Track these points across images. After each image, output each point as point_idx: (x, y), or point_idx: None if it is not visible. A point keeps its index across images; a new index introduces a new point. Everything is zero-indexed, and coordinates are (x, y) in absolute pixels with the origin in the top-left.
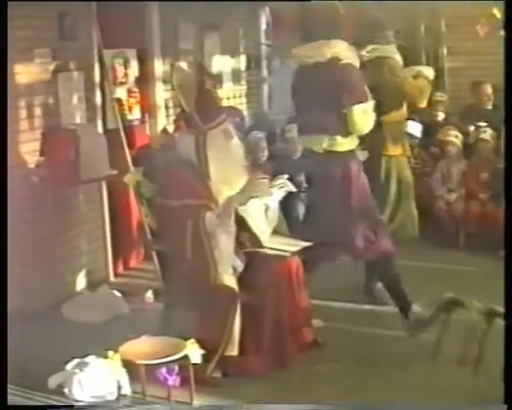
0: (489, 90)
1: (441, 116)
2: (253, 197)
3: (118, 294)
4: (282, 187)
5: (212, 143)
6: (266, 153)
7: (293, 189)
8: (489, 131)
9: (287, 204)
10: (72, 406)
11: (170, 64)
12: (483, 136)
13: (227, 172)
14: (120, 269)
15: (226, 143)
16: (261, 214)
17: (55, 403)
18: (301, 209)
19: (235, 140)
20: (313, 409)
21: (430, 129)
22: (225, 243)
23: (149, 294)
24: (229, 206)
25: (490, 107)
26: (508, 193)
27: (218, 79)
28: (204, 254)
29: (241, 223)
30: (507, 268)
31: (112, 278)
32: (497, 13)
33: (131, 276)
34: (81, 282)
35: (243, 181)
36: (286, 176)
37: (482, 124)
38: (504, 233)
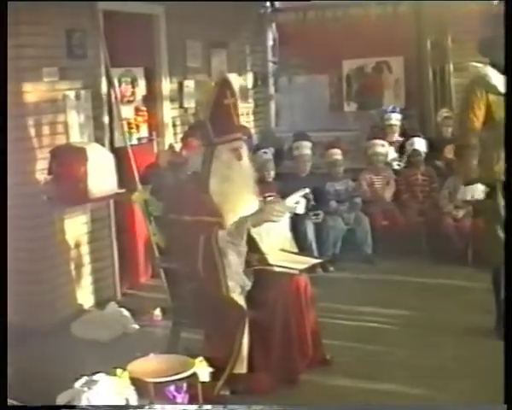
0: None
1: (449, 132)
2: (267, 221)
3: (126, 312)
4: (295, 207)
5: (219, 158)
6: (273, 173)
7: (302, 209)
8: None
9: (295, 221)
10: (71, 406)
11: (178, 82)
12: None
13: (228, 190)
14: (128, 287)
15: (233, 161)
16: (271, 234)
17: None
18: (310, 227)
19: (244, 161)
20: None
21: (438, 145)
22: (235, 262)
23: (157, 312)
24: (242, 226)
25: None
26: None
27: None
28: (215, 271)
29: (252, 244)
30: (507, 269)
31: (120, 296)
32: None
33: (139, 294)
34: (89, 300)
35: (248, 202)
36: (300, 193)
37: None
38: (505, 233)
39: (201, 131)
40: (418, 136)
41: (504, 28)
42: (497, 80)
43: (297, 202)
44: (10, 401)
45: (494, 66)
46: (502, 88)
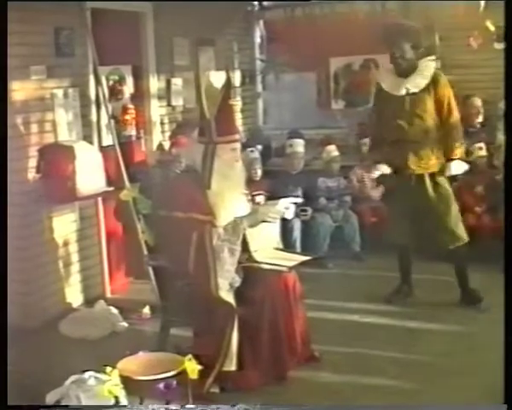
0: (478, 103)
1: None
2: (263, 222)
3: (114, 310)
4: (284, 212)
5: (221, 157)
6: (260, 172)
7: (291, 215)
8: (483, 146)
9: (284, 219)
10: (67, 406)
11: (165, 80)
12: (480, 153)
13: (226, 189)
14: (117, 285)
15: (232, 162)
16: (262, 231)
17: None
18: (296, 224)
19: (240, 163)
20: None
21: None
22: (228, 260)
23: (146, 310)
24: (238, 226)
25: (480, 120)
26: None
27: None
28: (206, 268)
29: (244, 243)
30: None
31: (108, 295)
32: (491, 25)
33: (128, 292)
34: (78, 298)
35: (239, 201)
36: (293, 200)
37: (479, 144)
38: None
39: (202, 130)
40: None
41: (504, 28)
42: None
43: (287, 207)
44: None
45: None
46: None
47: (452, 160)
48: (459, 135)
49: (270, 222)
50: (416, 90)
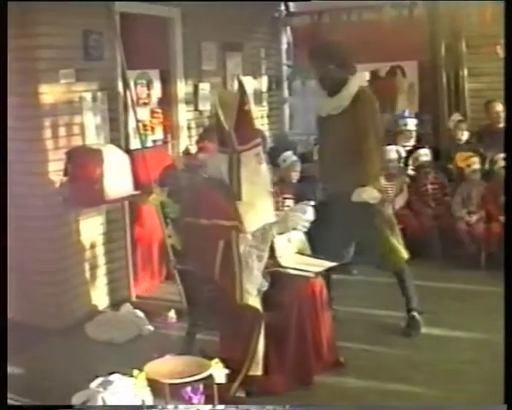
0: (498, 107)
1: (464, 137)
2: (293, 228)
3: (140, 313)
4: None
5: (247, 165)
6: (298, 176)
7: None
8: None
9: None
10: (71, 406)
11: (193, 85)
12: (502, 163)
13: (255, 195)
14: (143, 289)
15: (258, 166)
16: (289, 237)
17: None
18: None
19: (264, 165)
20: None
21: (450, 151)
22: (256, 266)
23: (172, 313)
24: (267, 233)
25: (502, 125)
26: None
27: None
28: (232, 274)
29: (270, 249)
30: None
31: (134, 298)
32: None
33: (154, 296)
34: (104, 301)
35: (267, 204)
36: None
37: (502, 154)
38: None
39: (222, 141)
40: (422, 147)
41: (504, 28)
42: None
43: (305, 211)
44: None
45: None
46: None
47: (363, 186)
48: (372, 162)
49: (300, 230)
50: (335, 112)
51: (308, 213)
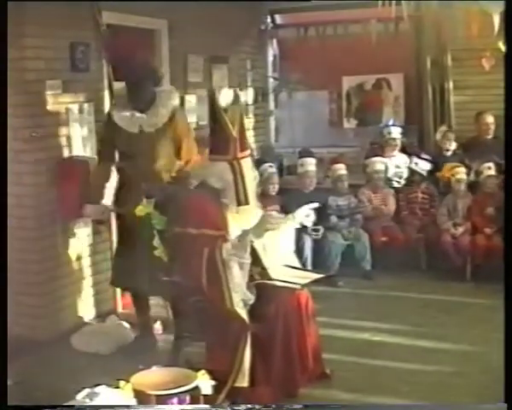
0: (489, 119)
1: (452, 147)
2: (268, 230)
3: (126, 325)
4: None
5: (246, 171)
6: (277, 187)
7: (311, 222)
8: (492, 166)
9: (296, 237)
10: (72, 406)
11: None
12: (489, 172)
13: (253, 202)
14: (129, 300)
15: (252, 174)
16: (276, 248)
17: None
18: (307, 242)
19: (255, 173)
20: None
21: (438, 163)
22: (237, 274)
23: (158, 325)
24: (244, 239)
25: (490, 136)
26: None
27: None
28: (219, 284)
29: (254, 257)
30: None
31: (120, 309)
32: (503, 47)
33: None
34: (90, 312)
35: (255, 214)
36: (311, 206)
37: (488, 164)
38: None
39: (224, 146)
40: (422, 156)
41: (504, 28)
42: None
43: (307, 214)
44: None
45: None
46: None
47: None
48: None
49: (273, 230)
50: (151, 129)
51: (295, 218)
